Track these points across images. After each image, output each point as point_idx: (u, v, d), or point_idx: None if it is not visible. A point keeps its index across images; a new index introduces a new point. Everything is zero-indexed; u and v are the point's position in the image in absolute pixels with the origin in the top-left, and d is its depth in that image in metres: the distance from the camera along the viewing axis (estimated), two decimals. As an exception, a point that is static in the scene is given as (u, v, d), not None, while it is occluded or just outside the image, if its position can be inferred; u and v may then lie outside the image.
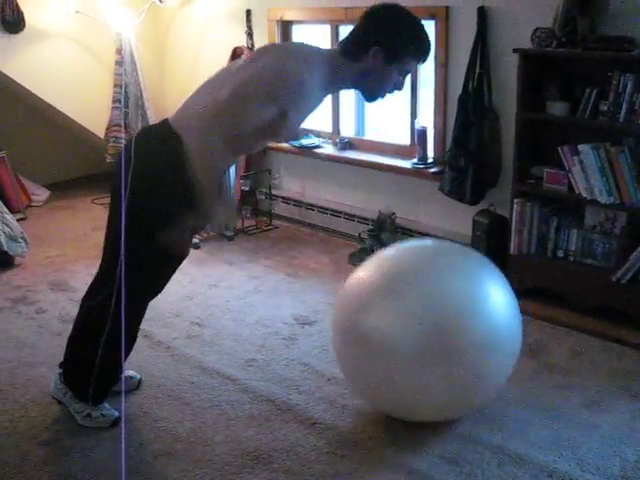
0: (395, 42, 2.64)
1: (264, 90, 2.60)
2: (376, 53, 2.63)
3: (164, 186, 2.65)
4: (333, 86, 2.76)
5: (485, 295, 2.83)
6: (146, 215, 2.67)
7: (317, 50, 2.76)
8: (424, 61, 2.82)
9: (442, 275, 2.80)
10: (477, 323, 2.73)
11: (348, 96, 5.23)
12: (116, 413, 3.07)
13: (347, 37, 2.73)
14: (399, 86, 2.77)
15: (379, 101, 2.84)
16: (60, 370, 3.13)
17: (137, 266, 2.66)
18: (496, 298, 2.84)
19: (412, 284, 2.76)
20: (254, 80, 2.61)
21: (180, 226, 2.71)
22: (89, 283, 3.07)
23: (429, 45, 2.75)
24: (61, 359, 3.17)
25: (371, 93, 2.81)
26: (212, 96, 2.70)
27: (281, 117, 2.62)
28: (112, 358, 2.91)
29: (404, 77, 2.76)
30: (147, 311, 3.09)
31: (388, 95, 2.82)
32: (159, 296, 3.06)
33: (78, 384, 3.04)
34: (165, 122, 2.78)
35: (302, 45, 2.83)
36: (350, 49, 2.68)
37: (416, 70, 2.68)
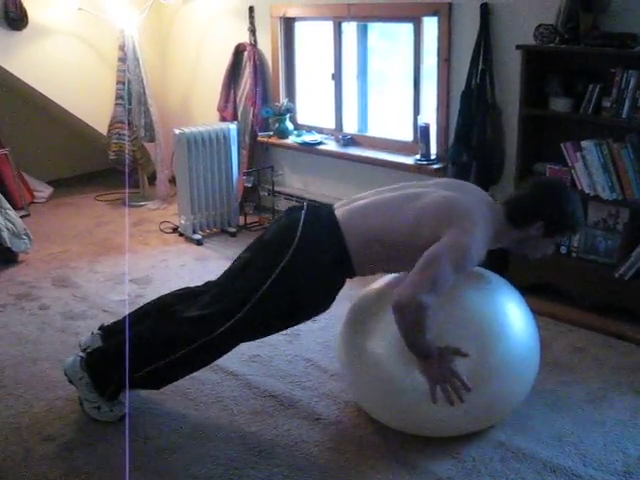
0: (560, 221, 2.79)
1: (435, 235, 2.68)
2: (540, 227, 2.77)
3: (322, 269, 2.81)
4: (492, 244, 2.82)
5: (505, 318, 2.83)
6: (299, 284, 2.81)
7: (489, 204, 2.86)
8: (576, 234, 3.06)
9: (461, 299, 2.79)
10: (498, 347, 2.74)
11: (350, 92, 5.23)
12: (124, 410, 3.06)
13: (513, 203, 2.86)
14: (548, 252, 2.95)
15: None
16: (83, 354, 3.06)
17: (264, 321, 2.89)
18: (516, 323, 2.84)
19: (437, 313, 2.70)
20: (430, 226, 2.71)
21: (315, 307, 2.93)
22: (102, 280, 3.04)
23: (584, 222, 2.98)
24: (66, 353, 3.16)
25: (521, 253, 3.01)
26: (389, 227, 2.78)
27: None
28: (166, 375, 3.00)
29: (555, 245, 2.91)
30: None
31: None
32: (163, 293, 3.07)
33: (102, 377, 3.00)
34: (332, 216, 2.87)
35: (473, 204, 2.81)
36: (515, 218, 2.81)
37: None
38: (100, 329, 3.21)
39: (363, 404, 3.04)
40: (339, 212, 2.88)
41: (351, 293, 3.10)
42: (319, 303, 2.90)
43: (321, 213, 2.92)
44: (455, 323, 2.73)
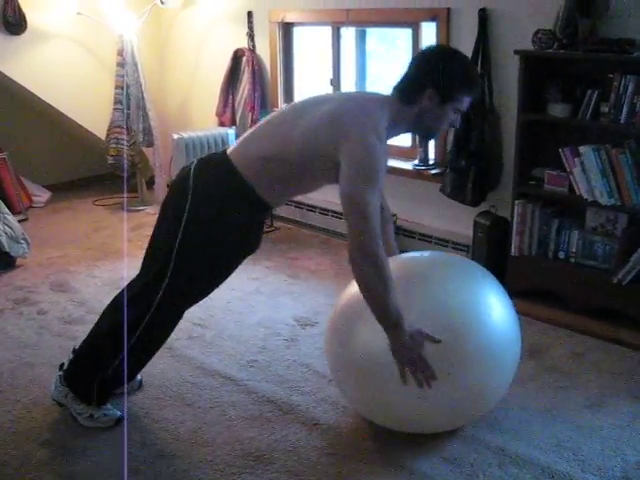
0: (448, 82, 2.70)
1: (329, 150, 2.64)
2: (431, 95, 2.69)
3: (226, 211, 2.77)
4: (392, 133, 2.79)
5: (483, 306, 2.79)
6: (208, 232, 2.78)
7: (376, 100, 2.80)
8: (476, 96, 2.92)
9: (438, 287, 2.77)
10: (476, 335, 2.70)
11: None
12: (118, 413, 3.07)
13: (400, 81, 2.78)
14: (454, 123, 2.86)
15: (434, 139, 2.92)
16: (60, 372, 3.12)
17: (191, 277, 2.86)
18: (494, 308, 2.81)
19: (409, 297, 2.68)
20: (318, 141, 2.66)
21: (237, 250, 2.90)
22: (100, 285, 3.06)
23: (479, 81, 2.86)
24: (63, 360, 3.17)
25: (428, 133, 2.94)
26: (278, 145, 2.74)
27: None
28: (135, 361, 3.01)
29: (458, 114, 2.82)
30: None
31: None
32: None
33: (82, 386, 3.04)
34: (224, 156, 2.83)
35: (362, 99, 2.83)
36: (405, 93, 2.74)
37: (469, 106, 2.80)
38: (73, 348, 3.22)
39: (347, 398, 3.03)
40: (229, 150, 2.84)
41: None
42: (240, 243, 2.87)
43: (212, 157, 2.92)
44: (429, 311, 2.70)
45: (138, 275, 2.97)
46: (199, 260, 2.82)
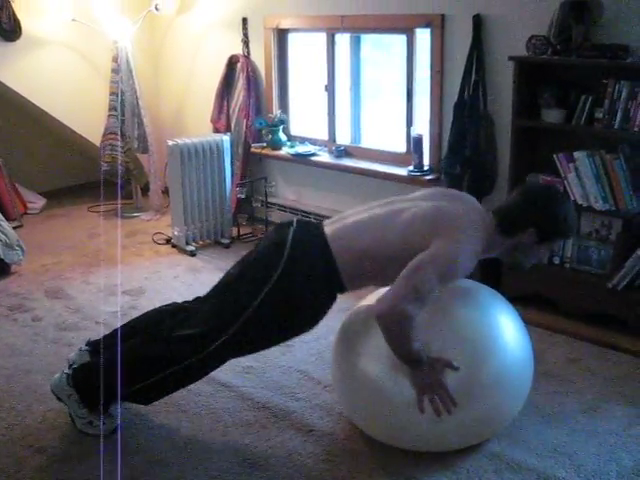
0: (551, 226, 2.75)
1: (421, 245, 2.66)
2: (531, 233, 2.73)
3: (312, 285, 2.79)
4: (482, 253, 2.80)
5: (499, 332, 2.81)
6: (290, 300, 2.80)
7: (479, 211, 2.84)
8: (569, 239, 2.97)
9: (452, 313, 2.79)
10: (491, 361, 2.73)
11: (343, 103, 5.25)
12: (117, 422, 3.05)
13: (504, 210, 2.82)
14: (542, 259, 2.86)
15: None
16: (68, 371, 3.04)
17: (252, 339, 2.88)
18: (509, 334, 2.83)
19: (427, 328, 2.68)
20: (415, 236, 2.70)
21: (306, 322, 2.90)
22: (94, 292, 3.04)
23: (575, 226, 2.89)
24: (58, 365, 3.15)
25: (516, 265, 2.96)
26: (379, 244, 2.77)
27: None
28: (157, 393, 3.00)
29: (548, 252, 2.83)
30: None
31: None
32: (155, 305, 3.06)
33: (91, 394, 2.98)
34: (322, 233, 2.85)
35: (461, 212, 2.78)
36: (507, 226, 2.77)
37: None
38: (87, 344, 3.18)
39: (355, 419, 3.01)
40: (328, 229, 2.86)
41: (344, 306, 3.09)
42: (308, 319, 2.89)
43: (310, 230, 2.91)
44: (446, 338, 2.71)
45: (202, 312, 2.92)
46: (267, 327, 2.84)
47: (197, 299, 3.11)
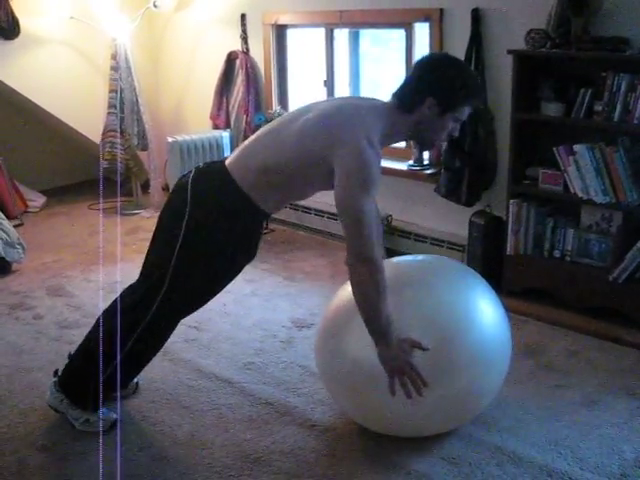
0: (449, 91, 2.67)
1: (323, 157, 2.63)
2: (431, 104, 2.66)
3: (224, 221, 2.76)
4: (389, 140, 2.79)
5: (472, 309, 2.80)
6: (206, 242, 2.78)
7: (372, 106, 2.78)
8: (477, 106, 2.89)
9: (426, 293, 2.78)
10: (467, 338, 2.71)
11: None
12: (114, 415, 3.07)
13: (400, 89, 2.75)
14: (453, 132, 2.82)
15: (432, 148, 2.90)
16: (55, 378, 3.11)
17: (189, 286, 2.85)
18: (483, 311, 2.82)
19: (397, 304, 2.66)
20: (313, 148, 2.65)
21: (235, 259, 2.89)
22: (96, 289, 3.07)
23: (480, 91, 2.83)
24: (59, 365, 3.16)
25: (427, 142, 2.90)
26: (276, 154, 2.73)
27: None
28: (129, 368, 3.02)
29: (458, 124, 2.80)
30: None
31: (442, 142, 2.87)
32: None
33: (77, 391, 3.03)
34: (223, 166, 2.82)
35: (357, 105, 2.78)
36: (405, 102, 2.70)
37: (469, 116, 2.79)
38: (69, 353, 3.21)
39: (340, 405, 3.02)
40: (228, 161, 2.83)
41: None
42: (239, 251, 2.85)
43: (209, 167, 2.90)
44: (419, 314, 2.71)
45: (136, 282, 2.98)
46: (197, 269, 2.82)
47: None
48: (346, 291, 2.89)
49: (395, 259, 3.09)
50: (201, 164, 2.99)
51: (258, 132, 2.88)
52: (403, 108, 2.70)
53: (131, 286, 3.02)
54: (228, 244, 2.81)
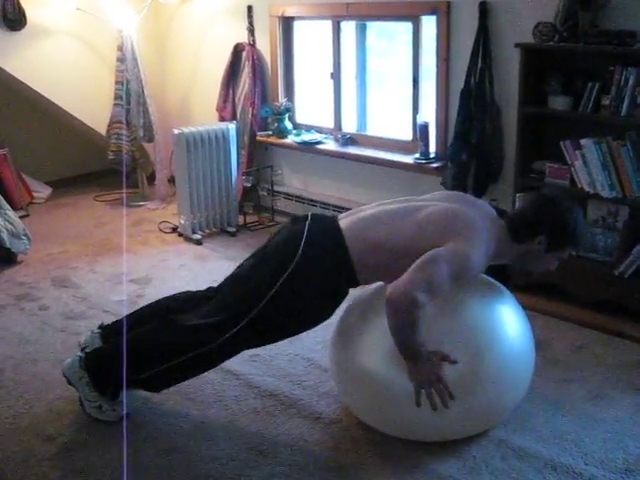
0: (561, 235, 2.78)
1: (433, 244, 2.68)
2: (541, 241, 2.76)
3: (327, 281, 2.82)
4: (494, 259, 2.83)
5: (499, 323, 2.83)
6: (303, 296, 2.82)
7: (493, 216, 2.87)
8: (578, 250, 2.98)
9: (453, 304, 2.78)
10: (492, 352, 2.73)
11: (349, 91, 5.24)
12: (125, 410, 3.06)
13: (515, 217, 2.87)
14: (551, 267, 2.91)
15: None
16: (82, 354, 3.05)
17: (266, 330, 2.89)
18: (510, 325, 2.84)
19: (429, 317, 2.68)
20: (427, 235, 2.71)
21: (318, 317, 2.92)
22: (102, 280, 3.04)
23: (586, 235, 2.88)
24: (66, 354, 3.16)
25: (526, 271, 3.03)
26: (393, 238, 2.78)
27: None
28: (167, 380, 3.01)
29: (558, 261, 2.89)
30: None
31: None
32: (162, 293, 3.07)
33: (103, 378, 3.00)
34: (337, 227, 2.86)
35: (476, 216, 2.80)
36: (517, 232, 2.80)
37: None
38: (100, 328, 3.21)
39: (354, 410, 3.02)
40: (343, 222, 2.88)
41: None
42: (321, 313, 2.90)
43: (325, 223, 2.92)
44: (448, 329, 2.72)
45: (215, 302, 2.95)
46: (280, 319, 2.86)
47: (209, 289, 3.13)
48: (367, 293, 2.96)
49: None
50: (315, 213, 3.06)
51: (380, 207, 2.93)
52: (515, 237, 2.80)
53: (197, 297, 3.06)
54: (320, 301, 2.86)
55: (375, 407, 2.84)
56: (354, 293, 2.98)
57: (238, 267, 3.06)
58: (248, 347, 3.03)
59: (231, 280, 3.02)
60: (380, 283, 2.97)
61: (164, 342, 2.90)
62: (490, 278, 3.01)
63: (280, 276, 2.76)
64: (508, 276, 3.99)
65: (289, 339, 3.66)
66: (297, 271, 2.76)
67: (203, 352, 2.84)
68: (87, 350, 3.10)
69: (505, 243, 2.80)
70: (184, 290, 3.32)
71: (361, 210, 2.96)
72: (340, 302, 2.90)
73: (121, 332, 3.02)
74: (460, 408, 2.66)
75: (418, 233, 2.73)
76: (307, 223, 2.87)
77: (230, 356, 2.98)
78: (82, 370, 3.02)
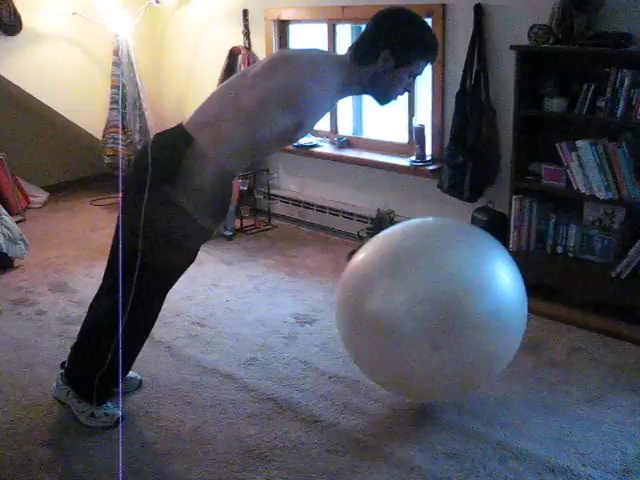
0: (404, 45, 2.69)
1: (283, 103, 2.63)
2: (386, 57, 2.68)
3: (176, 188, 2.65)
4: (345, 92, 2.81)
5: (490, 271, 2.82)
6: (161, 215, 2.70)
7: (328, 57, 2.83)
8: (433, 62, 2.90)
9: (445, 252, 2.80)
10: (483, 300, 2.73)
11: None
12: (119, 412, 3.07)
13: (356, 42, 2.77)
14: (409, 87, 2.83)
15: (390, 104, 2.89)
16: (61, 370, 3.13)
17: (154, 266, 2.78)
18: (501, 274, 2.83)
19: (414, 263, 2.74)
20: (273, 93, 2.64)
21: (193, 227, 2.76)
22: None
23: (437, 46, 2.83)
24: (62, 359, 3.17)
25: (382, 96, 2.86)
26: (231, 103, 2.70)
27: (298, 124, 2.70)
28: (127, 350, 2.95)
29: (414, 79, 2.82)
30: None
31: (399, 97, 2.88)
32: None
33: (82, 384, 3.04)
34: (179, 126, 2.78)
35: (314, 55, 2.83)
36: (360, 54, 2.72)
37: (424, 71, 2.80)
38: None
39: (358, 362, 3.03)
40: (185, 122, 2.78)
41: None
42: (207, 211, 2.74)
43: (168, 131, 2.83)
44: (435, 279, 2.73)
45: (110, 263, 2.96)
46: (170, 235, 2.72)
47: None
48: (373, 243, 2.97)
49: (407, 223, 3.13)
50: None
51: (211, 93, 2.85)
52: (359, 60, 2.72)
53: (108, 268, 3.00)
54: (196, 201, 2.68)
55: (378, 353, 2.84)
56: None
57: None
58: (166, 278, 2.94)
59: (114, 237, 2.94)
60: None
61: (101, 318, 2.92)
62: (476, 227, 3.01)
63: (142, 193, 2.67)
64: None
65: (286, 344, 3.68)
66: (158, 179, 2.65)
67: (132, 303, 2.80)
68: (65, 365, 3.14)
69: (351, 70, 2.72)
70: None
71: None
72: (226, 194, 2.81)
73: (80, 336, 3.08)
74: (452, 352, 2.67)
75: (255, 87, 2.65)
76: (151, 138, 2.83)
77: (159, 296, 2.95)
78: (64, 384, 3.08)
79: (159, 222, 2.69)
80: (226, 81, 2.88)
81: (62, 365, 3.16)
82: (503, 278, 2.82)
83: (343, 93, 2.80)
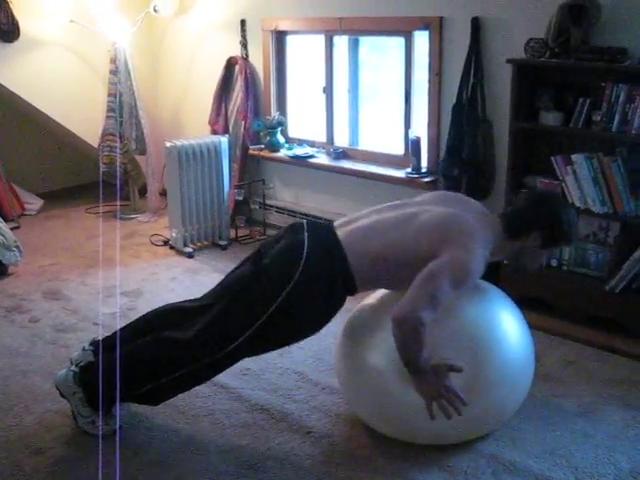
0: (556, 231, 2.84)
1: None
2: (535, 237, 2.83)
3: (328, 293, 2.82)
4: (490, 260, 2.86)
5: (500, 330, 2.86)
6: (305, 309, 2.83)
7: (485, 217, 2.89)
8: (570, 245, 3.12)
9: (455, 311, 2.80)
10: (492, 357, 2.77)
11: (342, 105, 5.25)
12: (117, 425, 3.04)
13: (511, 215, 2.91)
14: (543, 263, 2.99)
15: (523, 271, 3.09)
16: (76, 369, 3.02)
17: (269, 341, 2.91)
18: (511, 332, 2.88)
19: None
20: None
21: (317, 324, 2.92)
22: (92, 292, 3.00)
23: (577, 236, 2.94)
24: (56, 366, 3.14)
25: (521, 267, 3.01)
26: (384, 243, 2.80)
27: None
28: (167, 393, 3.01)
29: (548, 256, 2.95)
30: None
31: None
32: (153, 306, 3.07)
33: (97, 394, 2.93)
34: (335, 235, 2.88)
35: (470, 219, 2.83)
36: (512, 229, 2.86)
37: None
38: (91, 344, 3.16)
39: (359, 413, 3.04)
40: (340, 232, 2.88)
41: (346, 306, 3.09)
42: (320, 322, 2.90)
43: (323, 234, 2.91)
44: (449, 335, 2.75)
45: (213, 315, 2.88)
46: (283, 329, 2.86)
47: (199, 299, 3.07)
48: (368, 303, 3.02)
49: None
50: (310, 221, 3.10)
51: (376, 215, 2.94)
52: (510, 234, 2.86)
53: (190, 310, 2.99)
54: (321, 311, 2.86)
55: (380, 408, 2.87)
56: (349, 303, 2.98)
57: (229, 275, 3.05)
58: (248, 356, 3.01)
59: (227, 290, 2.96)
60: (383, 291, 3.03)
61: (161, 357, 2.88)
62: (492, 285, 3.05)
63: (282, 291, 2.75)
64: (498, 275, 4.02)
65: (280, 354, 3.68)
66: (299, 285, 2.75)
67: (200, 366, 2.84)
68: (81, 365, 3.05)
69: (501, 240, 2.85)
70: (180, 301, 3.27)
71: (357, 219, 2.96)
72: (338, 310, 2.89)
73: (114, 348, 2.99)
74: (464, 412, 2.67)
75: (414, 243, 2.75)
76: (306, 235, 2.86)
77: (231, 365, 2.97)
78: (76, 386, 3.01)
79: (293, 309, 2.80)
80: (389, 211, 2.96)
81: (76, 364, 3.05)
82: (513, 338, 2.88)
83: (491, 258, 2.87)
